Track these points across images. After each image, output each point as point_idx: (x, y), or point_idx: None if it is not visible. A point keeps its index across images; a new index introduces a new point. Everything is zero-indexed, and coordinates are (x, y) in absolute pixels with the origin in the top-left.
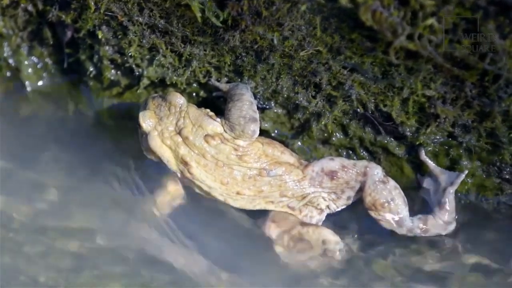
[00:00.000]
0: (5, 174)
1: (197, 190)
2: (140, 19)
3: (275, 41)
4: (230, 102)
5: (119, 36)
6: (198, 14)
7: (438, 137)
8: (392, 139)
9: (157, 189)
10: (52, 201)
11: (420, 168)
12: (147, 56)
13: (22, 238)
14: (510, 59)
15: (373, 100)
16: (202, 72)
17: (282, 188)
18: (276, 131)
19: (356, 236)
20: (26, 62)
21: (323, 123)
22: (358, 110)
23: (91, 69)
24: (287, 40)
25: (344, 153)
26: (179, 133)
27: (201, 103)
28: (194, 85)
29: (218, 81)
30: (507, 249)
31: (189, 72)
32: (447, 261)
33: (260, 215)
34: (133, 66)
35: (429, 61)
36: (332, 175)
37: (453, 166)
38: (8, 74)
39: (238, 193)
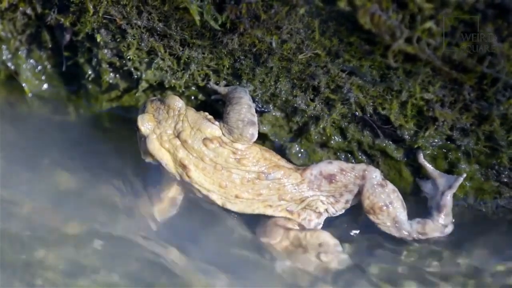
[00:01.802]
0: (4, 177)
1: (196, 193)
2: (139, 22)
3: (274, 44)
4: (229, 106)
5: (118, 39)
6: (197, 17)
7: (436, 140)
8: (391, 142)
9: (156, 193)
10: (51, 204)
11: (419, 172)
12: (146, 59)
13: (21, 241)
14: (509, 62)
15: (371, 103)
16: (201, 75)
17: (280, 192)
18: (274, 135)
19: (354, 239)
20: (24, 66)
21: (321, 126)
22: (357, 113)
23: (90, 72)
24: (286, 43)
25: (343, 157)
26: (178, 136)
27: (200, 106)
28: (193, 88)
29: (217, 84)
30: (506, 251)
31: (187, 75)
32: (445, 264)
33: (257, 219)
34: (132, 69)
35: (428, 64)
36: (330, 178)
37: (451, 169)
38: (7, 77)
39: (236, 196)
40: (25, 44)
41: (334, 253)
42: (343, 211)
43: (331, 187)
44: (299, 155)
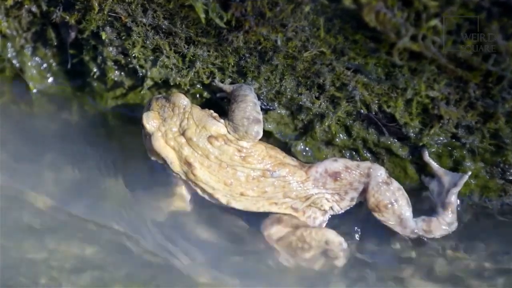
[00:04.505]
0: (8, 175)
1: (200, 193)
2: (144, 20)
3: (279, 42)
4: (234, 103)
5: (123, 37)
6: (202, 15)
7: (441, 138)
8: (396, 140)
9: (161, 192)
10: (54, 202)
11: (424, 169)
12: (151, 57)
13: (23, 239)
14: None
15: (376, 101)
16: (206, 73)
17: (285, 189)
18: (279, 133)
19: (359, 237)
20: (30, 63)
21: (326, 124)
22: (362, 111)
23: (95, 70)
24: (291, 41)
25: (348, 154)
26: (183, 134)
27: (205, 104)
28: (198, 86)
29: (222, 82)
30: (510, 250)
31: (192, 73)
32: (450, 262)
33: (261, 218)
34: (137, 67)
35: (433, 62)
36: (335, 176)
37: (456, 167)
38: (12, 75)
39: (241, 194)
40: (30, 41)
41: (339, 251)
42: (348, 208)
43: (336, 185)
44: (304, 153)
